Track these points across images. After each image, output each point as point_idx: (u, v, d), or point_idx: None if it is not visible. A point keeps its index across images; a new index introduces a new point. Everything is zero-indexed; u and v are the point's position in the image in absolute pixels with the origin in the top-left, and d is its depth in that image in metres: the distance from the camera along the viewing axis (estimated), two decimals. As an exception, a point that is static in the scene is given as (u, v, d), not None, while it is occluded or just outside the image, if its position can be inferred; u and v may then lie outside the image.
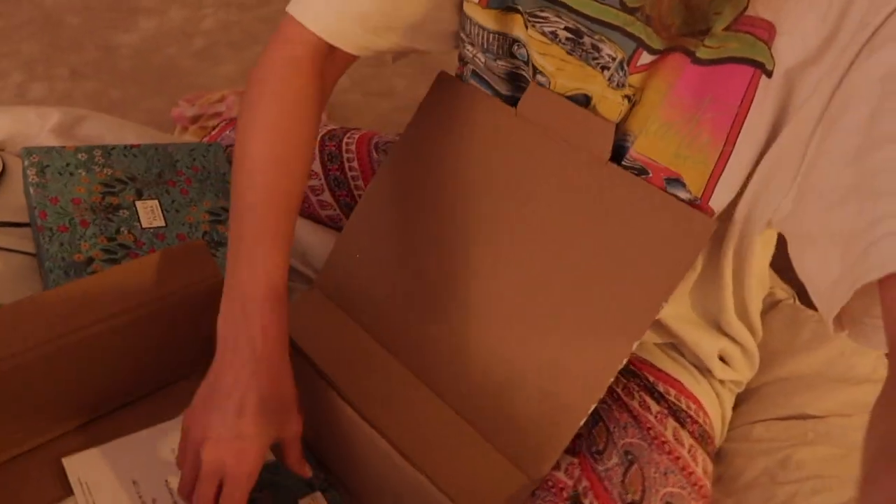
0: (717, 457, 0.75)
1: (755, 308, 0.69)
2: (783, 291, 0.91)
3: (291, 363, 0.58)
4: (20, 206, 0.80)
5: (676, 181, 0.58)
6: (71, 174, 0.78)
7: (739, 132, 0.53)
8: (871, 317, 0.48)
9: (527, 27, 0.62)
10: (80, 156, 0.79)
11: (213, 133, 1.04)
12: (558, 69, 0.62)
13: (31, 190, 0.75)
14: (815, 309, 0.85)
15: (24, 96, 1.50)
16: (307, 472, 0.60)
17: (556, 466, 0.65)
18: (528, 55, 0.64)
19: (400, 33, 0.65)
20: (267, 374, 0.55)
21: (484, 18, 0.64)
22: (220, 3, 1.76)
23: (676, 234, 0.59)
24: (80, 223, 0.74)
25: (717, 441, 0.74)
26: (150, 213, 0.80)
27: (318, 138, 0.88)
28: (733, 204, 0.58)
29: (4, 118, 0.82)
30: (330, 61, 0.67)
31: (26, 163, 0.76)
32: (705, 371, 0.72)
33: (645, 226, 0.61)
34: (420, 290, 0.71)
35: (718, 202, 0.57)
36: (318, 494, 0.62)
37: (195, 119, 1.44)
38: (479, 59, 0.68)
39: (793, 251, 0.54)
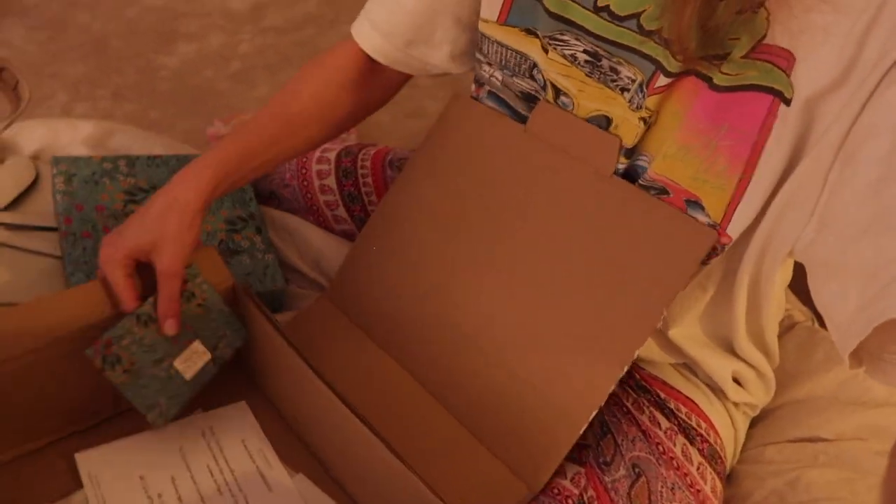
0: (728, 478, 0.74)
1: (771, 333, 0.68)
2: (801, 314, 0.90)
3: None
4: (51, 211, 0.81)
5: (696, 204, 0.58)
6: (96, 183, 0.80)
7: (758, 160, 0.53)
8: (890, 353, 0.47)
9: (546, 51, 0.62)
10: (105, 165, 0.82)
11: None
12: (580, 90, 0.63)
13: (58, 197, 0.77)
14: (833, 332, 0.84)
15: (68, 116, 1.55)
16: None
17: (563, 475, 0.65)
18: (545, 80, 0.65)
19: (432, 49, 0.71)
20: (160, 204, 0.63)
21: (502, 35, 0.65)
22: (257, 29, 1.81)
23: (677, 245, 0.59)
24: (103, 229, 0.76)
25: (729, 463, 0.73)
26: (169, 221, 0.81)
27: (335, 154, 0.90)
28: (749, 232, 0.58)
29: (39, 129, 0.85)
30: (377, 76, 0.74)
31: (55, 171, 0.79)
32: (719, 392, 0.71)
33: (646, 236, 0.61)
34: (427, 300, 0.72)
35: (736, 229, 0.57)
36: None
37: (228, 138, 1.47)
38: (497, 78, 0.69)
39: (812, 281, 0.54)
